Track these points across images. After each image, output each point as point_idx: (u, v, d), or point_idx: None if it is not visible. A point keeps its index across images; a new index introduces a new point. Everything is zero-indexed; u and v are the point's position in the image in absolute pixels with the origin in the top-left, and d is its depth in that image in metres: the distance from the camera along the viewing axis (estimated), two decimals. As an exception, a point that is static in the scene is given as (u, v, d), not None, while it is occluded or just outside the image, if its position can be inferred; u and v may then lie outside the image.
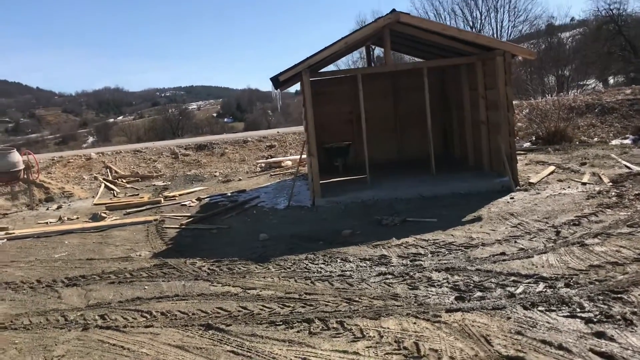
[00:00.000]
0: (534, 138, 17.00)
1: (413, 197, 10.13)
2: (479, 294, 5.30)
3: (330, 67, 24.07)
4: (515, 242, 6.89)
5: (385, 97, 15.04)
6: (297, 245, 7.85)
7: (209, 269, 7.17)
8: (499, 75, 10.12)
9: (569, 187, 9.89)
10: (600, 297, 4.89)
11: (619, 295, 4.87)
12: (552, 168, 11.76)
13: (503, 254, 6.45)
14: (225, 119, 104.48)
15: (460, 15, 50.82)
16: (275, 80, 10.24)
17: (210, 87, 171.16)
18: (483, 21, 51.40)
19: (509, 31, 50.68)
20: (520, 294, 5.17)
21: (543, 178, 10.79)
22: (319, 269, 6.63)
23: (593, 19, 49.39)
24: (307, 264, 6.88)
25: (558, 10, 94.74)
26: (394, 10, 9.91)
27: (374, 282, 5.96)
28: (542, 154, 14.47)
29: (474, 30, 51.51)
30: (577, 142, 16.21)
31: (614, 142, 16.18)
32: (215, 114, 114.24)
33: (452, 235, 7.58)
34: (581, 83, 44.53)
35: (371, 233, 8.10)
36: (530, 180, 10.52)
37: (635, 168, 10.91)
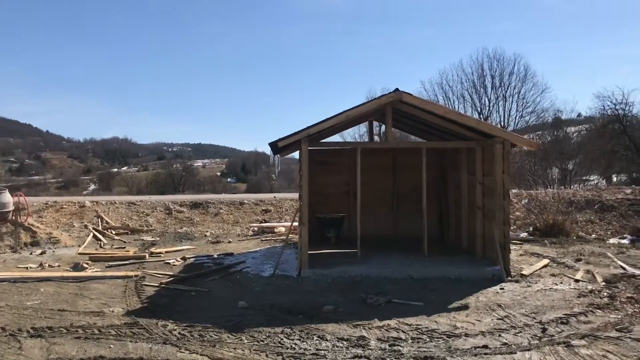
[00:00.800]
0: (531, 229, 16.84)
1: (402, 277, 9.90)
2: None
3: (336, 138, 24.36)
4: (500, 335, 6.63)
5: (385, 172, 15.05)
6: (275, 317, 7.58)
7: (179, 333, 6.89)
8: (497, 163, 10.11)
9: (561, 282, 9.66)
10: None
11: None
12: (546, 261, 11.55)
13: (485, 347, 6.19)
14: (229, 179, 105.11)
15: (469, 100, 51.86)
16: (274, 146, 10.26)
17: (218, 146, 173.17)
18: (491, 108, 52.37)
19: (516, 120, 51.49)
20: (498, 393, 4.89)
21: (536, 271, 10.56)
22: (293, 345, 6.35)
23: (599, 117, 50.32)
24: (282, 339, 6.61)
25: (565, 105, 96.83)
26: (397, 89, 10.04)
27: (348, 365, 5.68)
28: (537, 246, 14.29)
29: (481, 116, 52.54)
30: (574, 237, 16.03)
31: (611, 240, 16.00)
32: (219, 173, 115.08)
33: (436, 321, 7.32)
34: (584, 178, 44.88)
35: (354, 311, 7.84)
36: (523, 272, 10.29)
37: (630, 270, 10.69)
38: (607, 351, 5.95)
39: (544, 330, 6.78)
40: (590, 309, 7.74)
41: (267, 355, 6.03)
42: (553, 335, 6.56)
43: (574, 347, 6.10)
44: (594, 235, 16.49)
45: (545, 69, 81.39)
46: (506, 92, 51.68)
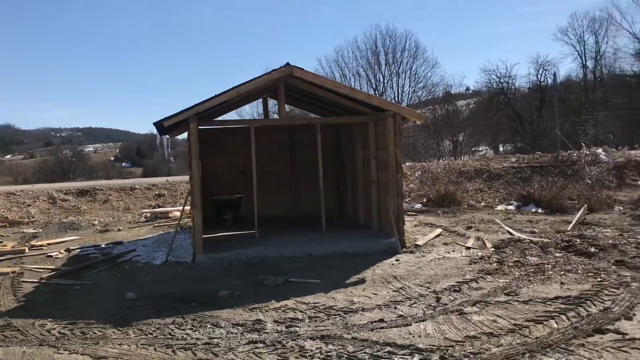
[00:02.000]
0: (424, 200, 17.35)
1: (301, 256, 9.75)
2: (352, 367, 4.92)
3: (234, 116, 23.73)
4: (396, 307, 6.63)
5: (282, 151, 14.83)
6: (167, 307, 7.15)
7: (59, 332, 6.30)
8: (389, 136, 10.16)
9: (453, 250, 9.93)
10: (474, 373, 4.65)
11: (491, 371, 4.65)
12: (439, 231, 11.87)
13: (382, 320, 6.15)
14: (123, 164, 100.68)
15: (365, 77, 52.62)
16: (159, 126, 9.68)
17: (110, 130, 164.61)
18: (386, 85, 53.47)
19: (410, 96, 53.03)
20: (393, 368, 4.83)
21: (429, 240, 10.81)
22: (185, 336, 5.99)
23: (486, 90, 52.99)
24: (173, 330, 6.22)
25: (454, 80, 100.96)
26: (287, 63, 9.76)
27: (242, 352, 5.41)
28: (431, 216, 14.71)
29: (376, 93, 53.57)
30: (465, 206, 16.69)
31: (499, 207, 16.82)
32: (112, 158, 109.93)
33: (333, 298, 7.22)
34: (473, 149, 47.20)
35: (251, 294, 7.57)
36: (417, 242, 10.50)
37: (517, 234, 11.21)
38: (497, 316, 6.09)
39: (438, 299, 6.86)
40: (481, 275, 7.97)
41: (155, 349, 5.62)
42: (446, 304, 6.65)
43: (466, 315, 6.19)
44: (483, 203, 17.26)
45: (436, 45, 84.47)
46: (399, 68, 52.95)
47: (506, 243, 10.23)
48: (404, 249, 9.91)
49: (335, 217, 13.82)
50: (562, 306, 6.32)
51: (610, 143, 32.86)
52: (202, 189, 13.15)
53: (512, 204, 16.98)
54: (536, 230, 11.87)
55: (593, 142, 31.71)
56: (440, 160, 20.38)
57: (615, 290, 6.85)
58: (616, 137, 38.64)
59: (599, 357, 4.80)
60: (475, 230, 12.11)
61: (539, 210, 15.94)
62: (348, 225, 12.54)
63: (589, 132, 38.16)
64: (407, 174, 18.99)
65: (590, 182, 17.95)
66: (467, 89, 61.15)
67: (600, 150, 20.45)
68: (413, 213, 15.32)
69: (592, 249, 9.20)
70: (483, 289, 7.22)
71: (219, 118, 14.22)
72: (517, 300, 6.62)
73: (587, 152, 20.44)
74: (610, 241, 9.74)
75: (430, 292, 7.24)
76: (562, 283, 7.31)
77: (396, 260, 9.22)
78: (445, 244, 10.62)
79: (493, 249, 9.83)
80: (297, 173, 14.86)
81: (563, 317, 5.96)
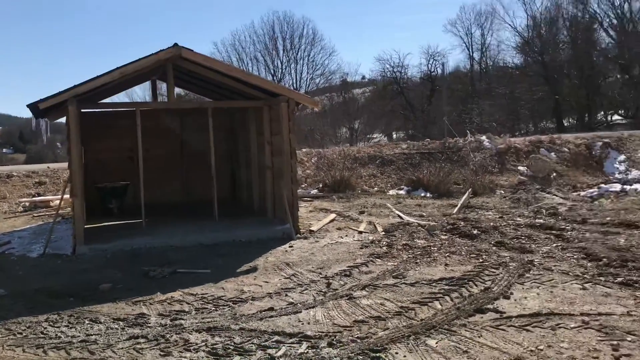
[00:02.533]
0: (320, 185, 17.45)
1: (191, 245, 9.42)
2: (236, 358, 4.76)
3: (124, 99, 22.55)
4: (286, 295, 6.55)
5: (172, 136, 14.28)
6: (41, 303, 6.62)
7: None
8: (283, 122, 10.03)
9: (346, 235, 10.02)
10: (360, 357, 4.65)
11: (377, 355, 4.68)
12: (333, 216, 11.96)
13: (272, 309, 6.03)
14: (4, 150, 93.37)
15: (263, 63, 52.17)
16: (34, 109, 8.92)
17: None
18: (284, 71, 53.35)
19: (308, 83, 53.31)
20: (281, 357, 4.73)
21: (324, 226, 10.85)
22: (59, 334, 5.55)
23: (380, 79, 54.37)
24: (46, 328, 5.75)
25: (350, 68, 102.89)
26: (175, 44, 9.33)
27: (122, 349, 5.09)
28: (326, 201, 14.81)
29: (274, 79, 53.30)
30: (359, 191, 16.98)
31: (391, 192, 17.27)
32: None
33: (223, 288, 7.02)
34: (368, 136, 48.39)
35: (134, 287, 7.19)
36: (312, 228, 10.49)
37: (406, 218, 11.52)
38: (385, 299, 6.18)
39: (328, 284, 6.85)
40: (371, 259, 8.08)
41: (24, 350, 5.16)
42: (337, 289, 6.66)
43: (355, 299, 6.23)
44: (376, 188, 17.65)
45: (333, 33, 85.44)
46: (297, 54, 52.99)
47: (396, 227, 10.47)
48: (298, 235, 9.86)
49: (230, 204, 13.55)
50: (446, 287, 6.52)
51: (493, 131, 34.94)
52: (87, 175, 12.46)
53: (402, 188, 17.50)
54: (424, 214, 12.28)
55: (478, 130, 33.53)
56: (337, 147, 20.58)
57: (495, 270, 7.18)
58: (499, 125, 41.23)
59: (479, 336, 4.97)
60: (368, 215, 12.32)
61: (427, 195, 16.56)
62: (242, 212, 12.32)
63: (475, 121, 40.29)
64: (304, 160, 19.02)
65: (474, 167, 18.89)
66: (363, 77, 62.48)
67: (484, 138, 21.54)
68: (309, 199, 15.36)
69: (475, 231, 9.62)
70: (372, 273, 7.31)
71: (108, 100, 13.48)
72: (404, 283, 6.75)
73: (472, 139, 21.46)
74: (491, 223, 10.24)
75: (321, 277, 7.23)
76: (446, 265, 7.56)
77: (290, 246, 9.15)
78: (339, 228, 10.70)
79: (384, 233, 10.03)
80: (189, 159, 14.38)
81: (447, 298, 6.14)
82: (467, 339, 4.91)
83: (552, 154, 20.73)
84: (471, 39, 53.71)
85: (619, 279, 6.52)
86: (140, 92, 43.30)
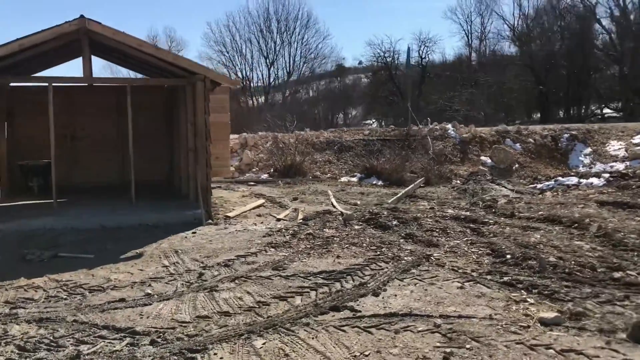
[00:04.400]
0: (272, 170, 17.05)
1: (93, 227, 9.02)
2: (42, 353, 4.37)
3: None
4: (150, 285, 6.15)
5: (109, 114, 13.76)
6: None
7: None
8: (198, 101, 9.59)
9: (262, 222, 9.62)
10: (175, 357, 4.27)
11: (193, 355, 4.29)
12: (261, 201, 11.56)
13: (123, 300, 5.64)
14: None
15: (257, 45, 51.49)
16: None
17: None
18: (277, 53, 52.64)
19: (301, 66, 52.64)
20: (88, 354, 4.34)
21: (245, 212, 10.45)
22: None
23: (373, 64, 53.61)
24: None
25: (345, 52, 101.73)
26: (82, 16, 8.85)
27: None
28: (268, 187, 14.40)
29: (267, 61, 52.64)
30: (310, 177, 16.60)
31: (343, 179, 16.89)
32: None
33: (93, 275, 6.62)
34: (365, 122, 47.85)
35: (6, 271, 6.78)
36: (228, 214, 10.09)
37: (338, 206, 11.11)
38: (248, 292, 5.79)
39: (200, 275, 6.46)
40: (266, 248, 7.69)
41: None
42: (206, 280, 6.27)
43: (218, 292, 5.83)
44: (329, 175, 17.26)
45: (328, 16, 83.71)
46: (291, 37, 52.27)
47: (317, 215, 10.06)
48: (209, 221, 9.45)
49: (165, 188, 13.13)
50: (321, 281, 6.13)
51: (480, 121, 34.48)
52: (17, 153, 12.04)
53: (355, 175, 17.12)
54: (358, 203, 11.89)
55: (466, 119, 33.02)
56: (298, 132, 20.11)
57: (384, 264, 6.79)
58: (487, 115, 40.68)
59: (313, 338, 4.58)
60: (300, 202, 11.92)
61: (379, 183, 16.20)
62: (171, 195, 11.91)
63: (458, 109, 39.72)
64: (258, 144, 18.59)
65: (433, 156, 18.49)
66: (360, 62, 61.59)
67: (449, 126, 21.12)
68: (253, 183, 14.97)
69: (394, 222, 9.22)
70: (255, 264, 6.91)
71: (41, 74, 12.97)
72: (279, 275, 6.36)
73: (437, 127, 21.03)
74: (415, 215, 9.83)
75: (200, 267, 6.83)
76: (338, 257, 7.17)
77: (193, 233, 8.74)
78: (259, 215, 10.31)
79: (301, 221, 9.63)
80: (126, 139, 13.89)
81: (313, 293, 5.76)
82: (298, 340, 4.53)
83: (517, 144, 20.37)
84: (471, 26, 52.74)
85: (506, 278, 6.13)
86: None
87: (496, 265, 6.71)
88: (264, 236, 8.45)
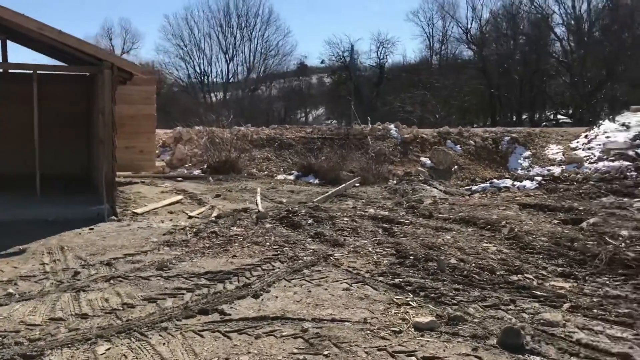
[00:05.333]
0: (205, 166, 16.57)
1: (-18, 221, 8.42)
2: None
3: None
4: (16, 284, 5.70)
5: (26, 102, 13.02)
6: None
7: None
8: (106, 90, 9.09)
9: (170, 220, 9.19)
10: (0, 365, 3.85)
11: (25, 362, 3.88)
12: (178, 198, 11.12)
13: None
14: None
15: (216, 39, 50.66)
16: None
17: None
18: (237, 49, 51.87)
19: (261, 64, 51.95)
20: None
21: (155, 209, 9.99)
22: None
23: (332, 63, 53.30)
24: None
25: (307, 51, 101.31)
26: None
27: None
28: (196, 183, 13.93)
29: (227, 56, 51.80)
30: (246, 174, 16.19)
31: (279, 176, 16.55)
32: None
33: (-41, 272, 6.09)
34: (327, 122, 47.49)
35: None
36: (136, 210, 9.62)
37: (259, 204, 10.76)
38: (117, 294, 5.38)
39: (75, 274, 6.01)
40: (160, 246, 7.29)
41: None
42: (79, 280, 5.83)
43: (85, 292, 5.41)
44: (266, 172, 16.89)
45: (288, 13, 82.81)
46: (251, 33, 51.60)
47: (233, 213, 9.69)
48: (113, 217, 8.98)
49: (84, 181, 12.54)
50: (203, 282, 5.77)
51: (434, 123, 34.48)
52: None
53: (292, 173, 16.81)
54: (284, 201, 11.57)
55: (420, 121, 33.06)
56: (237, 127, 19.64)
57: (279, 264, 6.49)
58: (441, 117, 40.84)
59: (165, 343, 4.23)
60: (222, 199, 11.54)
61: (315, 181, 15.92)
62: (84, 190, 11.34)
63: (411, 110, 39.85)
64: (193, 139, 18.08)
65: (373, 155, 18.32)
66: (323, 61, 61.08)
67: (392, 126, 21.02)
68: (180, 179, 14.48)
69: (310, 221, 8.92)
70: (140, 262, 6.50)
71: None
72: (161, 276, 5.97)
73: (379, 127, 20.90)
74: (333, 213, 9.55)
75: (80, 265, 6.39)
76: (234, 256, 6.82)
77: (90, 229, 8.25)
78: (171, 212, 9.88)
79: (213, 219, 9.24)
80: (46, 129, 13.21)
81: (189, 294, 5.40)
82: (147, 346, 4.16)
83: (458, 146, 20.40)
84: (432, 29, 52.81)
85: (397, 280, 5.89)
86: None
87: (393, 267, 6.47)
88: (164, 234, 8.03)
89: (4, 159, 12.72)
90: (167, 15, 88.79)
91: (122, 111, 13.24)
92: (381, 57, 52.15)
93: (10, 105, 12.64)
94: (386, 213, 9.90)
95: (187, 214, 9.66)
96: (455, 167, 19.09)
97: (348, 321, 4.74)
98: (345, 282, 5.80)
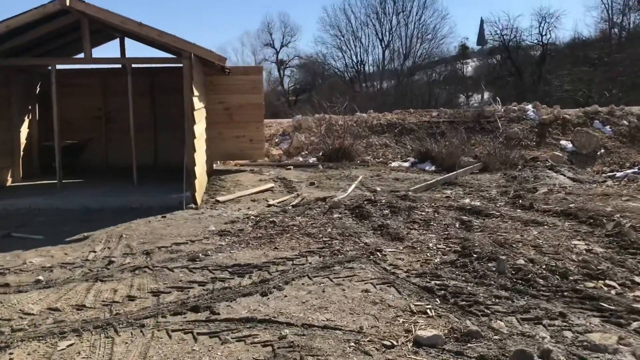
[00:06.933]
0: (320, 154, 16.37)
1: (75, 208, 8.95)
2: None
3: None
4: (52, 271, 5.85)
5: (142, 96, 13.82)
6: None
7: None
8: (186, 81, 9.17)
9: (248, 208, 9.05)
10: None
11: (-15, 354, 3.87)
12: (269, 186, 10.99)
13: (6, 285, 5.37)
14: None
15: (372, 27, 50.48)
16: None
17: None
18: (393, 35, 51.23)
19: (417, 48, 50.76)
20: None
21: (239, 197, 9.93)
22: None
23: (491, 43, 50.39)
24: None
25: (466, 32, 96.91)
26: (64, -4, 8.73)
27: None
28: (302, 171, 13.74)
29: (383, 43, 51.40)
30: (359, 161, 15.70)
31: (394, 163, 15.83)
32: None
33: (18, 256, 6.43)
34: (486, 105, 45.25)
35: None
36: (218, 198, 9.63)
37: (349, 192, 10.25)
38: (131, 284, 5.29)
39: (109, 263, 6.04)
40: (212, 236, 7.14)
41: None
42: (107, 269, 5.83)
43: (103, 282, 5.40)
44: (381, 159, 16.26)
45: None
46: (408, 18, 50.59)
47: (316, 201, 9.29)
48: (191, 205, 9.04)
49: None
50: (223, 275, 5.50)
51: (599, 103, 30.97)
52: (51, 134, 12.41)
53: (408, 160, 15.96)
54: (378, 189, 10.91)
55: (585, 99, 29.92)
56: (358, 113, 19.17)
57: (317, 258, 6.02)
58: (612, 95, 36.44)
59: (129, 342, 3.99)
60: (315, 187, 11.20)
61: (432, 168, 14.96)
62: (176, 179, 11.72)
63: (568, 89, 36.19)
64: (312, 127, 17.95)
65: (501, 139, 16.79)
66: (486, 42, 57.99)
67: (529, 107, 19.09)
68: (290, 167, 14.39)
69: (386, 211, 8.22)
70: (179, 252, 6.39)
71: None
72: (187, 267, 5.78)
73: (515, 108, 19.12)
74: (414, 204, 8.73)
75: (122, 254, 6.42)
76: (276, 248, 6.45)
77: (162, 217, 8.36)
78: (254, 200, 9.75)
79: (291, 207, 8.94)
80: (161, 121, 13.94)
81: (198, 288, 5.15)
82: (109, 345, 3.97)
83: (607, 127, 17.97)
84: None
85: (434, 282, 5.11)
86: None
87: (441, 266, 5.64)
88: (225, 223, 7.88)
89: (124, 150, 13.59)
90: (326, 6, 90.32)
91: (231, 101, 13.55)
92: (544, 33, 47.78)
93: (128, 99, 13.46)
94: (479, 204, 8.83)
95: (267, 201, 9.46)
96: (602, 150, 16.77)
97: (341, 329, 4.13)
98: (370, 283, 5.14)
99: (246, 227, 7.52)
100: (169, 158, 13.62)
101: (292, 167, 14.50)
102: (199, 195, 9.41)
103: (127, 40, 12.01)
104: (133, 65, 13.30)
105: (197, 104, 9.87)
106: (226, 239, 6.92)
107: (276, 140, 17.80)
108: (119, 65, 12.95)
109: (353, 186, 11.07)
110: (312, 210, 8.47)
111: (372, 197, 9.17)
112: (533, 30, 47.53)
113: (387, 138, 17.70)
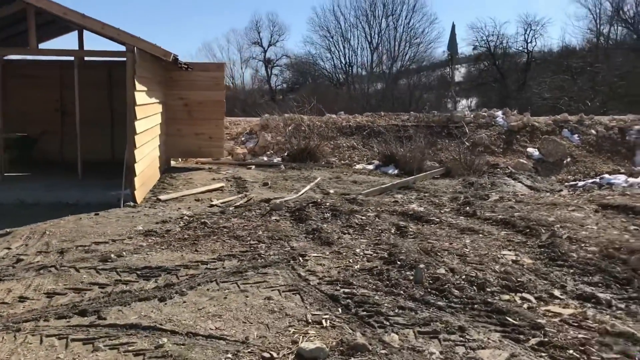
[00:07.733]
0: (286, 154, 16.18)
1: (9, 202, 8.69)
2: None
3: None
4: (-46, 268, 5.59)
5: (100, 89, 13.55)
6: None
7: None
8: (128, 76, 8.93)
9: (188, 208, 8.83)
10: None
11: None
12: (219, 185, 10.78)
13: None
14: None
15: (361, 29, 50.33)
16: None
17: None
18: (382, 37, 51.07)
19: (405, 51, 50.63)
20: None
21: (184, 195, 9.72)
22: None
23: (475, 48, 50.40)
24: None
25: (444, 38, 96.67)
26: (3, -17, 8.49)
27: None
28: (261, 170, 13.55)
29: (370, 46, 51.18)
30: (323, 163, 15.54)
31: (358, 166, 15.69)
32: None
33: None
34: (476, 110, 45.19)
35: None
36: (160, 197, 9.41)
37: (297, 194, 10.07)
38: (29, 285, 5.06)
39: (17, 261, 5.81)
40: (137, 236, 6.91)
41: None
42: (13, 268, 5.59)
43: (10, 280, 5.15)
44: (347, 161, 16.12)
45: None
46: (397, 21, 50.47)
47: (260, 202, 9.10)
48: (129, 203, 8.80)
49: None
50: (128, 278, 5.28)
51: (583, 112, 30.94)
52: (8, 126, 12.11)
53: (372, 163, 15.83)
54: (331, 192, 10.74)
55: (566, 107, 29.89)
56: (335, 115, 19.03)
57: (233, 262, 5.79)
58: (593, 104, 36.47)
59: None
60: (268, 188, 11.01)
61: (395, 172, 14.82)
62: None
63: (547, 97, 36.26)
64: (279, 126, 17.76)
65: (467, 145, 16.71)
66: (475, 47, 57.76)
67: (499, 113, 19.04)
68: (252, 167, 14.19)
69: (326, 215, 8.05)
70: (94, 252, 6.15)
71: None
72: (95, 268, 5.55)
73: (484, 113, 19.05)
74: (362, 207, 8.57)
75: (38, 252, 6.18)
76: (195, 251, 6.24)
77: (95, 214, 8.11)
78: (199, 199, 9.54)
79: (233, 208, 8.74)
80: (118, 115, 13.65)
81: (97, 291, 4.93)
82: (-29, 350, 3.72)
83: (576, 136, 17.97)
84: (599, 9, 47.06)
85: (343, 290, 4.92)
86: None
87: (358, 273, 5.46)
88: (157, 222, 7.65)
89: (83, 144, 13.32)
90: (315, 7, 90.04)
91: (190, 97, 13.33)
92: (529, 41, 47.88)
93: (88, 93, 13.16)
94: (423, 209, 8.68)
95: (210, 201, 9.25)
96: (568, 159, 16.74)
97: (225, 339, 3.94)
98: (277, 290, 4.95)
99: (175, 228, 7.30)
100: (117, 153, 13.37)
101: (253, 166, 14.31)
102: (141, 193, 9.18)
103: (90, 34, 11.76)
104: (91, 58, 13.15)
105: (144, 99, 9.64)
106: (149, 240, 6.70)
107: (242, 138, 17.59)
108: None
109: (307, 188, 10.91)
110: (252, 211, 8.27)
111: (319, 200, 8.99)
112: (519, 37, 47.53)
113: (355, 140, 17.55)
